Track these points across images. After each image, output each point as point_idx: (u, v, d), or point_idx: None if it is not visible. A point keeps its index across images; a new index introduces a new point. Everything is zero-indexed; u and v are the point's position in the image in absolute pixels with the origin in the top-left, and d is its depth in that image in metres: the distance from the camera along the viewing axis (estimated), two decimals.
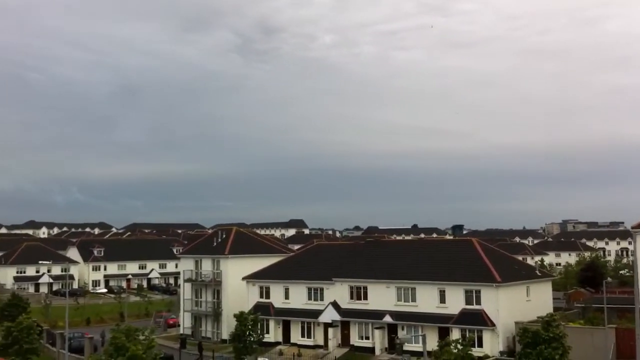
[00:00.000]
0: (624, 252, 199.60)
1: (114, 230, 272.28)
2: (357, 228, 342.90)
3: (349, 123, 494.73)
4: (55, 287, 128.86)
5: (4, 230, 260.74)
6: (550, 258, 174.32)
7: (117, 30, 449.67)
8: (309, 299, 68.04)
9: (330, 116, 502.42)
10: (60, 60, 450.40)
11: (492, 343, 56.00)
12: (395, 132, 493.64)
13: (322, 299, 67.00)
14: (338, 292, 65.89)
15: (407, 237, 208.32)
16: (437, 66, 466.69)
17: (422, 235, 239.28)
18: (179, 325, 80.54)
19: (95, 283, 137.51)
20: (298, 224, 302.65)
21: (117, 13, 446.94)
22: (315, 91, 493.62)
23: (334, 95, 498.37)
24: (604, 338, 49.61)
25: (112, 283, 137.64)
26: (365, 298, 64.38)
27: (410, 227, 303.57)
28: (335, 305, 65.33)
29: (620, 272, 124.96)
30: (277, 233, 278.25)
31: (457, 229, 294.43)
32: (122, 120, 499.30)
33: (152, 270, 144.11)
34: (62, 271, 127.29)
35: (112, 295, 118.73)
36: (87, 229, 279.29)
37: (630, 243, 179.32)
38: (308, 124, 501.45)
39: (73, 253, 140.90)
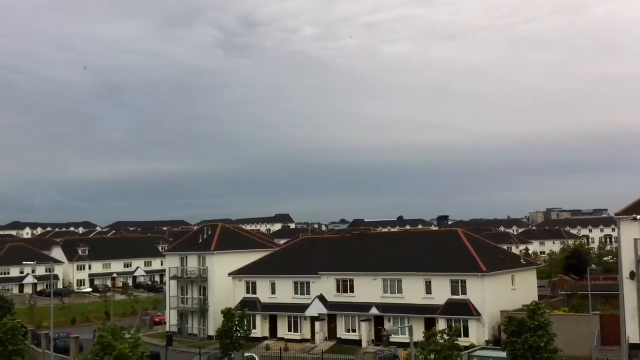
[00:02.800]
0: (608, 239, 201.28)
1: (98, 229, 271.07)
2: (343, 221, 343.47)
3: (336, 117, 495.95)
4: (40, 288, 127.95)
5: None
6: (535, 247, 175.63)
7: (100, 30, 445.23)
8: (296, 293, 67.98)
9: (316, 111, 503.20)
10: (43, 61, 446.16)
11: (478, 332, 56.29)
12: (381, 126, 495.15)
13: (308, 293, 66.96)
14: (325, 285, 65.89)
15: (393, 229, 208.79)
16: (425, 58, 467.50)
17: (408, 227, 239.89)
18: (165, 323, 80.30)
19: (80, 282, 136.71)
20: (284, 218, 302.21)
21: (99, 12, 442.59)
22: (302, 86, 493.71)
23: (320, 89, 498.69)
24: (588, 325, 49.96)
25: (97, 282, 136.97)
26: (352, 291, 64.39)
27: (396, 219, 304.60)
28: (322, 299, 65.35)
29: (604, 259, 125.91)
30: (264, 228, 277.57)
31: (442, 220, 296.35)
32: (107, 120, 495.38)
33: (138, 268, 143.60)
34: (46, 271, 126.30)
35: (98, 295, 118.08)
36: (72, 229, 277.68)
37: (614, 230, 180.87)
38: (294, 119, 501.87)
39: (57, 253, 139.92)
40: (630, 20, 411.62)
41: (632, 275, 48.52)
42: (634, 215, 41.15)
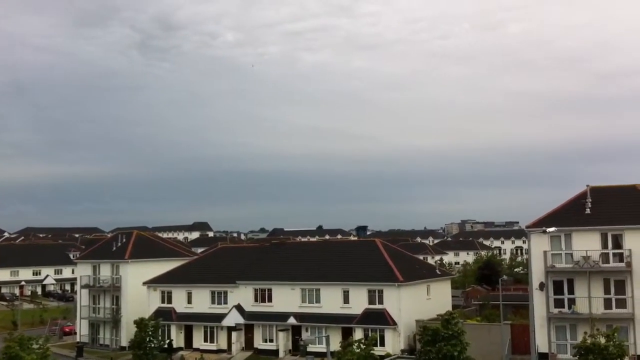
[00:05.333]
0: (519, 251, 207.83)
1: (6, 235, 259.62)
2: (262, 230, 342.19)
3: (256, 124, 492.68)
4: None
5: None
6: (449, 257, 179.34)
7: (6, 24, 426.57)
8: (213, 302, 67.04)
9: (236, 117, 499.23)
10: None
11: (394, 342, 56.95)
12: (302, 134, 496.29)
13: (226, 303, 66.17)
14: (242, 295, 65.24)
15: (312, 239, 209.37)
16: (345, 68, 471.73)
17: (327, 237, 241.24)
18: (75, 333, 77.84)
19: None
20: (202, 226, 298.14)
21: (5, 6, 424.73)
22: (221, 91, 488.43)
23: (240, 95, 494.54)
24: (500, 334, 51.34)
25: (4, 290, 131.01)
26: (270, 300, 64.03)
27: (315, 228, 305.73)
28: (239, 308, 64.66)
29: (515, 269, 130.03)
30: (181, 236, 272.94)
31: (361, 230, 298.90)
32: (13, 120, 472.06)
33: (47, 276, 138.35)
34: None
35: (4, 303, 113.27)
36: None
37: (524, 242, 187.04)
38: (213, 125, 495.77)
39: None
40: (542, 39, 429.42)
41: (542, 286, 50.20)
42: (544, 228, 42.59)
